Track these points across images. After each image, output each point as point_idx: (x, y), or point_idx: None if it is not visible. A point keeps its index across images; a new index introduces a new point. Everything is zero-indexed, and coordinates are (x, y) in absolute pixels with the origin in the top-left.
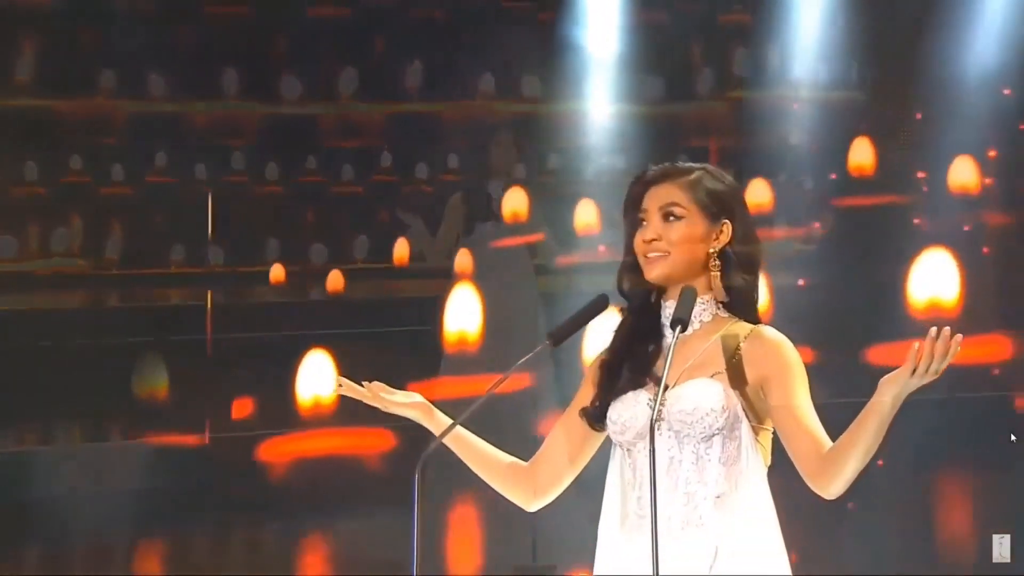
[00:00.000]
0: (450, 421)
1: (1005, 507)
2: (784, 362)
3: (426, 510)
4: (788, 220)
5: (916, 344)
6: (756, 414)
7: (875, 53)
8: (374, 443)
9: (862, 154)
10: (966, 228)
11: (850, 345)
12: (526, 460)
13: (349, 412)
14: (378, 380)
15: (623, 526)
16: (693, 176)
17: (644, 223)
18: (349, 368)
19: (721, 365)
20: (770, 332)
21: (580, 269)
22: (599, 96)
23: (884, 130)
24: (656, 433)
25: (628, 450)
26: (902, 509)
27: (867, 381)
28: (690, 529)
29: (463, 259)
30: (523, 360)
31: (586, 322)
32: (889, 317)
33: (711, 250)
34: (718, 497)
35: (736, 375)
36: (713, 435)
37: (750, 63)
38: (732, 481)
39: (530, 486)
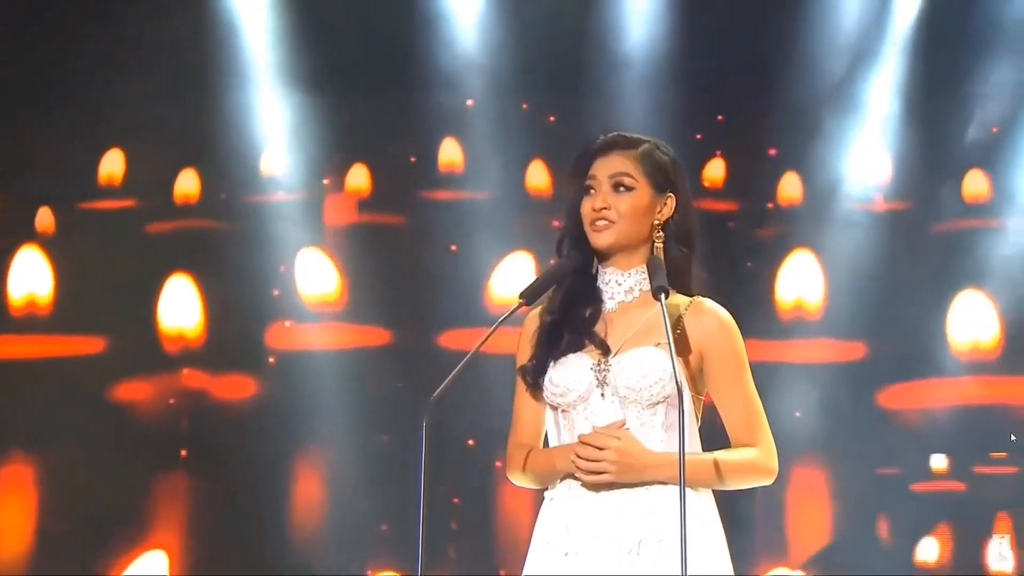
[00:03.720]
0: None
1: None
2: (725, 341)
3: None
4: None
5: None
6: (695, 384)
7: None
8: None
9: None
10: None
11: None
12: None
13: None
14: None
15: (569, 487)
16: (642, 148)
17: (593, 191)
18: None
19: (663, 334)
20: (711, 306)
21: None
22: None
23: None
24: (599, 398)
25: (564, 412)
26: None
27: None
28: (637, 490)
29: (44, 218)
30: (501, 319)
31: (554, 282)
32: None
33: (655, 222)
34: None
35: (679, 346)
36: (658, 402)
37: None
38: (672, 447)
39: None
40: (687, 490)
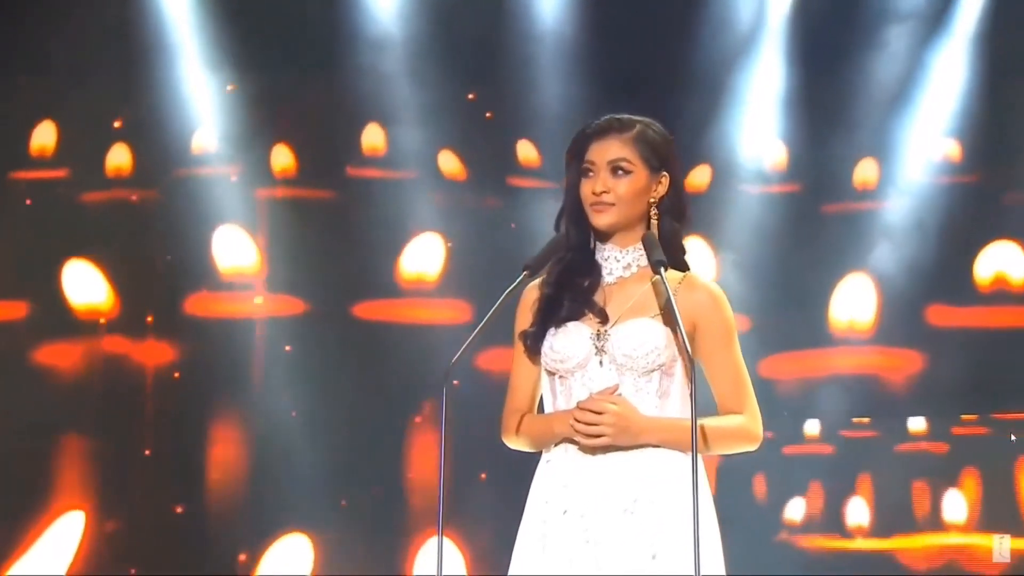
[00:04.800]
0: None
1: None
2: (716, 314)
3: None
4: None
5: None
6: (687, 355)
7: None
8: None
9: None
10: None
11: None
12: None
13: None
14: None
15: (565, 450)
16: (636, 130)
17: (591, 174)
18: None
19: (657, 307)
20: (703, 280)
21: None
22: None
23: None
24: (597, 366)
25: (562, 378)
26: None
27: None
28: (631, 453)
29: None
30: (508, 291)
31: (554, 254)
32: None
33: (651, 200)
34: None
35: (671, 318)
36: (653, 370)
37: None
38: (665, 413)
39: None
40: (677, 453)
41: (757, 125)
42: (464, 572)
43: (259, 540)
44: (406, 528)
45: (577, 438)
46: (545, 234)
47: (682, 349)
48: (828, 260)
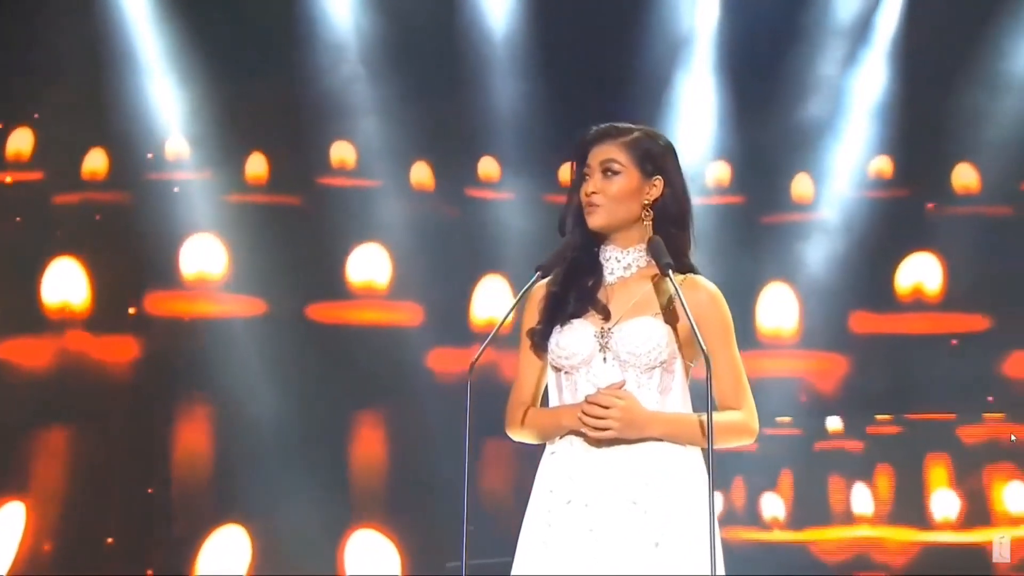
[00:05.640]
0: None
1: None
2: (714, 313)
3: None
4: None
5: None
6: (684, 351)
7: None
8: None
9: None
10: None
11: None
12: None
13: None
14: None
15: (571, 443)
16: (631, 136)
17: (587, 177)
18: None
19: (658, 307)
20: (702, 281)
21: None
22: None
23: None
24: (601, 362)
25: (567, 373)
26: None
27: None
28: (635, 446)
29: None
30: (523, 291)
31: (565, 256)
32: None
33: (644, 202)
34: None
35: (672, 317)
36: (655, 367)
37: None
38: (666, 409)
39: None
40: (679, 447)
41: (699, 138)
42: (398, 569)
43: (206, 531)
44: (344, 523)
45: (585, 430)
46: (498, 239)
47: (686, 345)
48: (759, 268)
